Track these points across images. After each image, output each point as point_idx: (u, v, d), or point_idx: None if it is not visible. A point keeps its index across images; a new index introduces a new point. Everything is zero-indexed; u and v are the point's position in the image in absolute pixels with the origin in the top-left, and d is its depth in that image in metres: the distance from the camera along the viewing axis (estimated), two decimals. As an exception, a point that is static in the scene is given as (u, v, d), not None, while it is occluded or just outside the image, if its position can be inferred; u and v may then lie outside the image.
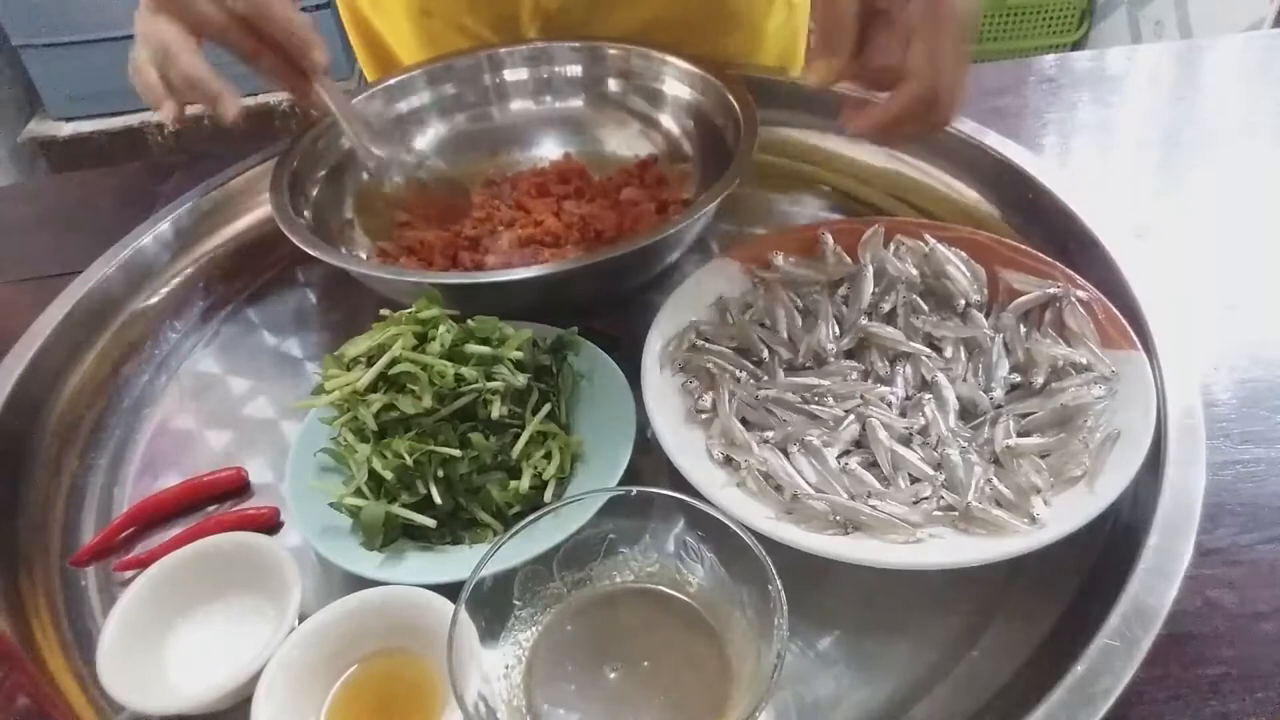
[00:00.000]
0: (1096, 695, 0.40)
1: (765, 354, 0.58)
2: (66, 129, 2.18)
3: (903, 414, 0.54)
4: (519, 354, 0.54)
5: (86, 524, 0.59)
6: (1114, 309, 0.55)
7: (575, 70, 0.80)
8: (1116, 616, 0.42)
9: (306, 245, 0.62)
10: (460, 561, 0.49)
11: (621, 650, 0.44)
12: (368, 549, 0.50)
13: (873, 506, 0.48)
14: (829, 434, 0.52)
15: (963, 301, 0.58)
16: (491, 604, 0.43)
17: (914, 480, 0.50)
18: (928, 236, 0.61)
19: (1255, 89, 0.88)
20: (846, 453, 0.52)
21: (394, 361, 0.52)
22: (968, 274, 0.59)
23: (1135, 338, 0.53)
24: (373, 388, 0.52)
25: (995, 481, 0.49)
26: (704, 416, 0.54)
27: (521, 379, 0.53)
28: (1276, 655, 0.46)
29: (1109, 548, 0.49)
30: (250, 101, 2.15)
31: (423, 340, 0.54)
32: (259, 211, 0.76)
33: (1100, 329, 0.55)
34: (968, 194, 0.72)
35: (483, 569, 0.42)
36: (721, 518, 0.43)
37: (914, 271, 0.60)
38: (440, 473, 0.51)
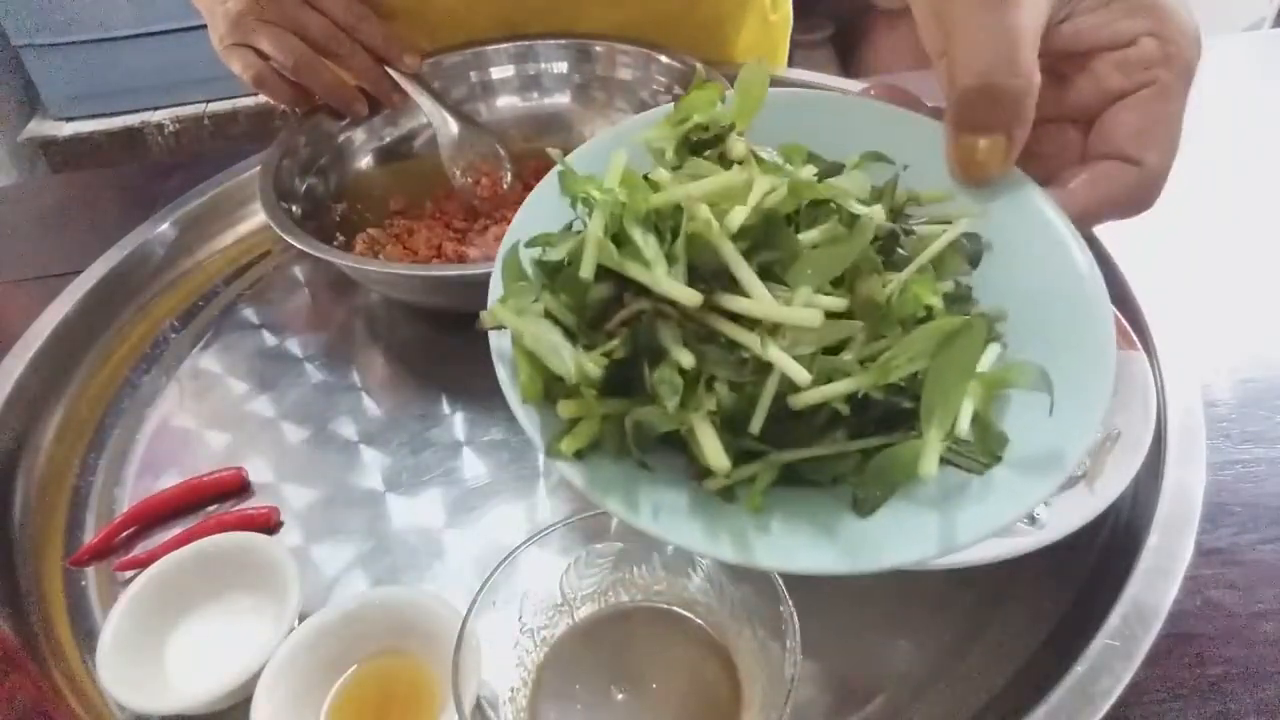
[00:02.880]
0: (1096, 695, 0.40)
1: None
2: (66, 129, 2.17)
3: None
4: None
5: (87, 524, 0.59)
6: (1114, 309, 0.55)
7: (561, 67, 0.80)
8: (1116, 616, 0.42)
9: (286, 233, 0.62)
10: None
11: (630, 671, 0.44)
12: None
13: (873, 506, 0.48)
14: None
15: (963, 301, 0.58)
16: (498, 623, 0.43)
17: (914, 480, 0.50)
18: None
19: (1255, 89, 0.88)
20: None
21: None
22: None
23: (1135, 338, 0.53)
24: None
25: (995, 481, 0.49)
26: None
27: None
28: (1277, 655, 0.46)
29: (1109, 548, 0.49)
30: (250, 101, 2.16)
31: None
32: (258, 211, 0.76)
33: (1100, 329, 0.55)
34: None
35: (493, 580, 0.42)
36: None
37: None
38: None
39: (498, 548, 0.53)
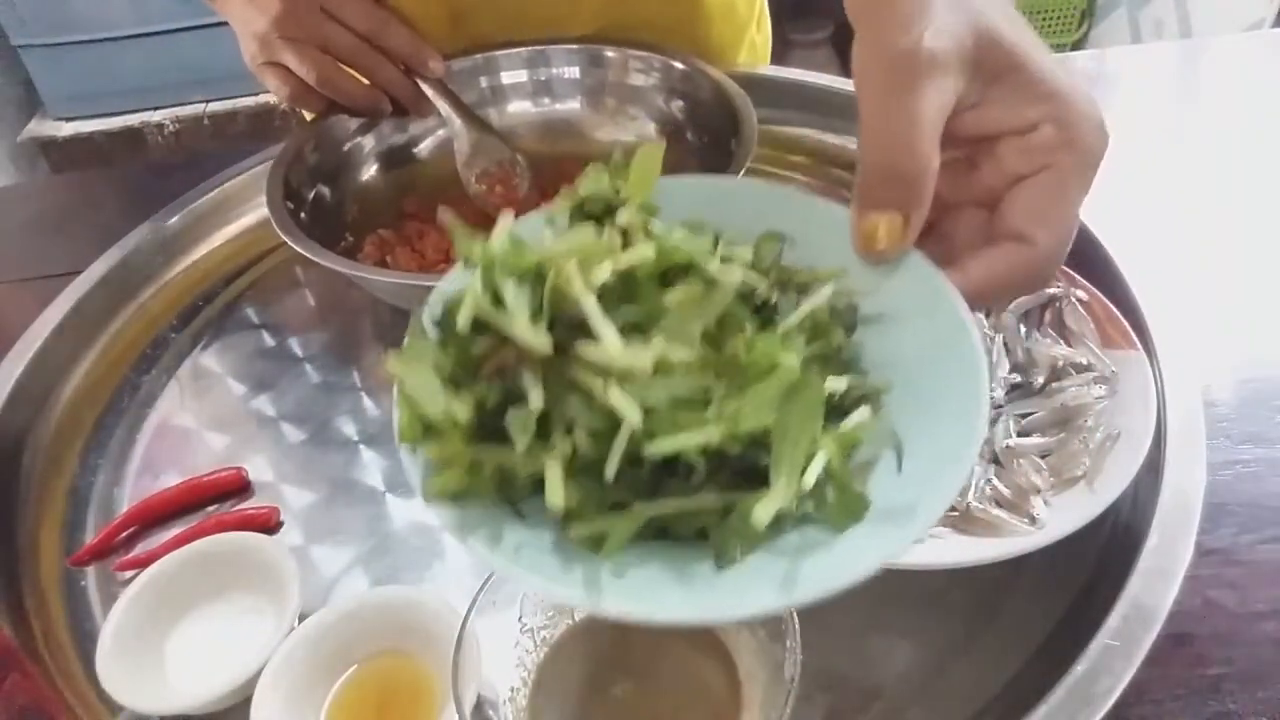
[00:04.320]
0: (1096, 695, 0.40)
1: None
2: (66, 129, 2.18)
3: (903, 414, 0.54)
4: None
5: (87, 524, 0.59)
6: (1114, 309, 0.55)
7: (573, 72, 0.80)
8: (1116, 616, 0.42)
9: (286, 233, 0.61)
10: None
11: (630, 672, 0.44)
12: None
13: (873, 506, 0.48)
14: (829, 434, 0.52)
15: (963, 301, 0.58)
16: (498, 623, 0.43)
17: (914, 480, 0.50)
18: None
19: (1255, 89, 0.88)
20: (846, 453, 0.52)
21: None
22: (968, 274, 0.59)
23: (1135, 338, 0.53)
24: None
25: (995, 481, 0.49)
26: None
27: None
28: (1276, 655, 0.46)
29: (1109, 548, 0.49)
30: (250, 101, 2.16)
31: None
32: (259, 211, 0.76)
33: (1100, 329, 0.55)
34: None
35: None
36: None
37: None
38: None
39: (498, 548, 0.53)
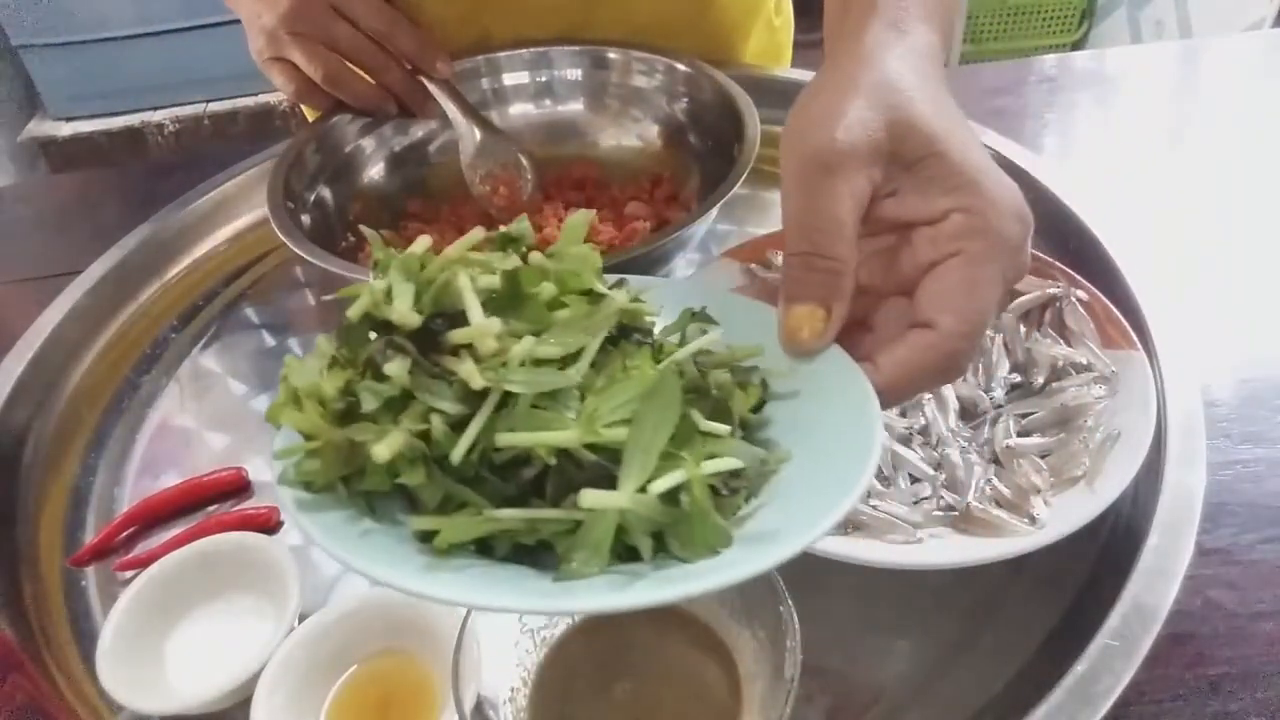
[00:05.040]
0: (1096, 695, 0.40)
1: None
2: (66, 129, 2.18)
3: (903, 414, 0.54)
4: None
5: (86, 524, 0.59)
6: (1114, 309, 0.55)
7: (576, 74, 0.80)
8: (1116, 616, 0.42)
9: (285, 234, 0.61)
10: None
11: (630, 672, 0.44)
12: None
13: (873, 506, 0.48)
14: (829, 434, 0.52)
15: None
16: (498, 623, 0.42)
17: (914, 480, 0.50)
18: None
19: (1255, 89, 0.88)
20: (846, 453, 0.52)
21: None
22: (968, 274, 0.59)
23: (1135, 338, 0.53)
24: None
25: (995, 481, 0.49)
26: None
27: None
28: (1276, 655, 0.46)
29: (1109, 548, 0.49)
30: (250, 101, 2.16)
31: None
32: (258, 211, 0.76)
33: (1100, 329, 0.55)
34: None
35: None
36: None
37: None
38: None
39: (498, 548, 0.53)
